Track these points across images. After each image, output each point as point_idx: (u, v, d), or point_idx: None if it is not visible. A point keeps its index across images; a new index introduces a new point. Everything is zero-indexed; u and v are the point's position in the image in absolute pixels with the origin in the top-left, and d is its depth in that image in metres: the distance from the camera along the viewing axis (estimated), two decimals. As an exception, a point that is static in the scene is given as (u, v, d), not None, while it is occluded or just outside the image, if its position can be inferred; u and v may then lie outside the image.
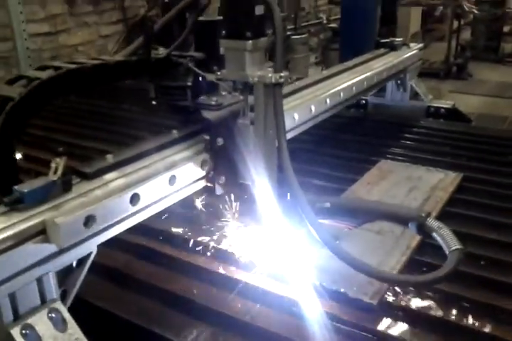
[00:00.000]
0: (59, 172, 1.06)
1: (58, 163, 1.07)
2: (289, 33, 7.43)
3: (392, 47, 2.98)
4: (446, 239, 1.26)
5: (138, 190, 1.18)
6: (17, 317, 1.02)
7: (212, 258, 1.50)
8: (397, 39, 3.07)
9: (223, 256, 1.49)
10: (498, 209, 1.76)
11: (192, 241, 1.57)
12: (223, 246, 1.52)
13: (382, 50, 2.94)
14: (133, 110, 2.89)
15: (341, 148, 2.42)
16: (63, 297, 1.12)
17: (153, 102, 1.40)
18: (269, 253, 1.45)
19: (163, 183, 1.26)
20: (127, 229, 1.25)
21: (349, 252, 1.25)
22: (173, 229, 1.63)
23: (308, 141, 2.50)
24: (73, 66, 1.24)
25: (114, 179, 1.19)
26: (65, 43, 5.03)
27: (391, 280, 1.28)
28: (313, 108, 1.92)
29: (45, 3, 4.83)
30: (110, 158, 1.24)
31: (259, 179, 1.35)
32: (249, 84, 1.32)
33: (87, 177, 1.16)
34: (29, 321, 1.02)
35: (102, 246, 1.16)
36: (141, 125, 2.38)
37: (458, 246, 1.24)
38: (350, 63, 2.64)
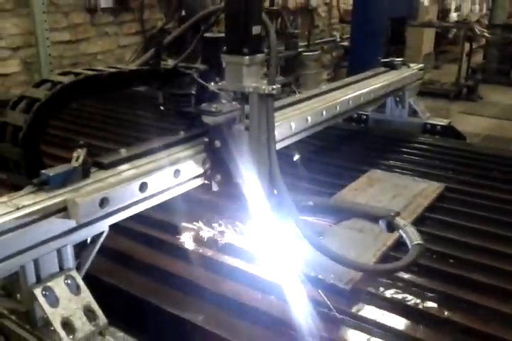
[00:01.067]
0: (80, 160, 1.26)
1: (79, 153, 1.27)
2: (301, 49, 7.66)
3: (392, 67, 3.16)
4: (410, 235, 1.41)
5: (146, 179, 1.37)
6: (39, 280, 1.21)
7: (209, 247, 1.67)
8: (397, 59, 3.25)
9: (218, 246, 1.67)
10: (474, 217, 1.92)
11: (189, 232, 1.75)
12: (218, 237, 1.69)
13: (382, 69, 3.13)
14: (143, 115, 3.09)
15: (338, 158, 2.60)
16: (78, 268, 1.30)
17: (162, 108, 1.59)
18: (259, 245, 1.62)
19: (168, 175, 1.45)
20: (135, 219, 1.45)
21: (324, 244, 1.42)
22: (173, 220, 1.81)
23: (310, 150, 2.69)
24: (92, 72, 1.42)
25: (126, 169, 1.39)
26: (85, 51, 5.25)
27: (358, 268, 1.44)
28: (309, 118, 2.10)
29: (67, 12, 5.07)
30: (124, 152, 1.44)
31: (251, 179, 1.51)
32: (245, 94, 1.48)
33: (103, 167, 1.36)
34: (49, 284, 1.21)
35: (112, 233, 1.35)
36: (150, 129, 2.57)
37: (419, 242, 1.40)
38: (349, 79, 2.84)
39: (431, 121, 3.18)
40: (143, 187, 1.37)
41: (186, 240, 1.69)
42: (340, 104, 2.35)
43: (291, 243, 1.56)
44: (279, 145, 1.97)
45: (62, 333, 1.17)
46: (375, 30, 5.60)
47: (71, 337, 1.18)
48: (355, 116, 3.39)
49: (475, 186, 2.22)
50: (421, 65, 3.37)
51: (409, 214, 1.79)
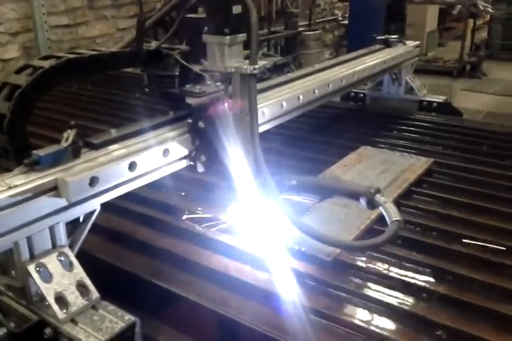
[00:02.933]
0: (69, 140, 1.30)
1: (69, 134, 1.31)
2: (301, 28, 7.63)
3: (387, 44, 3.17)
4: (389, 211, 1.41)
5: (135, 158, 1.40)
6: (32, 256, 1.26)
7: (199, 224, 1.73)
8: (393, 36, 3.25)
9: (208, 223, 1.73)
10: (459, 190, 1.97)
11: (184, 211, 1.82)
12: (208, 214, 1.76)
13: (377, 46, 3.13)
14: (138, 98, 3.13)
15: (333, 136, 2.63)
16: (71, 245, 1.34)
17: (146, 89, 1.62)
18: (246, 222, 1.68)
19: (157, 155, 1.48)
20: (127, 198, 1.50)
21: (304, 223, 1.46)
22: (165, 199, 1.88)
23: (305, 129, 2.74)
24: (72, 56, 1.43)
25: (116, 149, 1.42)
26: (83, 35, 5.27)
27: (337, 245, 1.48)
28: (301, 97, 2.13)
29: (66, -4, 5.09)
30: (114, 133, 1.47)
31: (235, 159, 1.54)
32: (228, 75, 1.50)
33: (94, 147, 1.40)
34: (42, 260, 1.25)
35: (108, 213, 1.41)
36: (143, 110, 2.59)
37: (398, 218, 1.40)
38: (343, 57, 2.85)
39: (427, 98, 3.19)
40: (132, 166, 1.40)
41: (178, 218, 1.75)
42: (333, 82, 2.37)
43: (277, 220, 1.59)
44: (271, 124, 2.01)
45: (55, 307, 1.22)
46: (374, 7, 5.57)
47: (64, 311, 1.22)
48: (353, 94, 3.41)
49: (463, 160, 2.26)
50: (417, 42, 3.36)
51: (395, 189, 1.85)
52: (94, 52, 1.44)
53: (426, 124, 2.81)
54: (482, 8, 9.48)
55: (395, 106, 3.18)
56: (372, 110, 3.18)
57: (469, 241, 1.62)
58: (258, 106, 1.77)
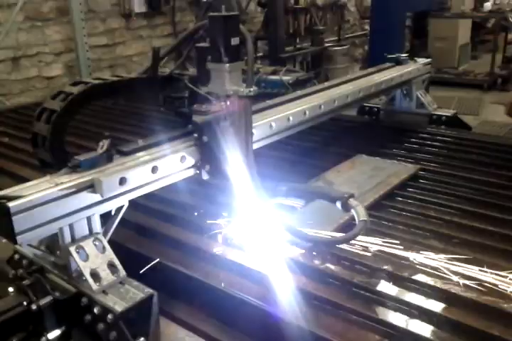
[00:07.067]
0: (104, 148, 1.62)
1: (104, 143, 1.64)
2: (328, 44, 7.92)
3: (397, 62, 3.42)
4: (359, 213, 1.69)
5: (157, 163, 1.71)
6: (73, 240, 1.58)
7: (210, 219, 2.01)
8: (403, 55, 3.48)
9: (216, 218, 2.00)
10: (441, 193, 2.22)
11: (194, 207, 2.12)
12: (215, 211, 2.03)
13: (387, 65, 3.37)
14: (165, 112, 3.44)
15: (340, 146, 2.90)
16: (104, 233, 1.65)
17: (161, 109, 1.91)
18: (246, 217, 1.91)
19: (175, 161, 1.78)
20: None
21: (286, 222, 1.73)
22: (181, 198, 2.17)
23: (317, 141, 3.03)
24: (98, 81, 1.72)
25: (142, 156, 1.74)
26: (121, 54, 5.67)
27: (308, 239, 1.74)
28: (307, 112, 2.40)
29: (104, 18, 5.49)
30: (141, 142, 1.80)
31: (234, 168, 1.80)
32: (229, 96, 1.75)
33: (124, 153, 1.73)
34: (81, 243, 1.57)
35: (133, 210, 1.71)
36: (168, 124, 2.88)
37: (364, 218, 1.67)
38: (353, 75, 3.09)
39: (437, 112, 3.40)
40: (154, 169, 1.70)
41: (192, 214, 2.07)
42: (338, 98, 2.62)
43: (272, 216, 1.83)
44: (278, 136, 2.28)
45: (91, 281, 1.52)
46: (394, 24, 5.79)
47: (98, 284, 1.53)
48: (367, 108, 3.64)
49: (452, 168, 2.49)
50: (428, 60, 3.55)
51: (378, 191, 2.11)
52: (115, 78, 1.74)
53: (428, 136, 3.06)
54: (513, 21, 9.54)
55: (407, 120, 3.41)
56: (385, 123, 3.43)
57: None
58: (267, 119, 2.14)
